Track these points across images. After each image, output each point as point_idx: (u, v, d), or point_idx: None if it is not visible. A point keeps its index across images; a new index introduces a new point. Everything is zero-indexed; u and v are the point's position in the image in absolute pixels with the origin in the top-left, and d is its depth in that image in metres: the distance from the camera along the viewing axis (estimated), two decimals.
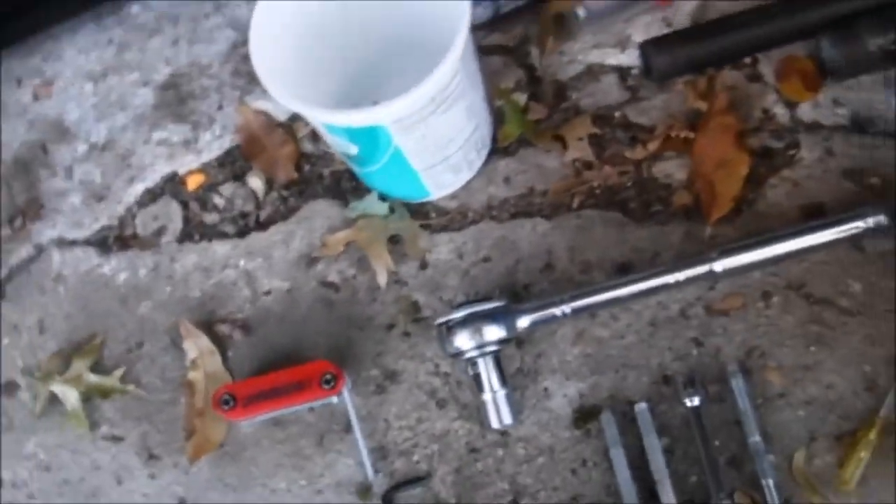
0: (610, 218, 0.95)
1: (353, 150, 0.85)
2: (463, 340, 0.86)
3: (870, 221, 0.88)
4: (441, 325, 0.87)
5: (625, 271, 0.91)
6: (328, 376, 0.87)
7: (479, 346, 0.86)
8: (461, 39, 0.76)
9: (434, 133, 0.84)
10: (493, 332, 0.86)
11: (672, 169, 0.96)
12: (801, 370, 0.87)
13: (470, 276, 0.94)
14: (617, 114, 0.99)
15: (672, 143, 0.96)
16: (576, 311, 0.88)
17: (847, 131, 0.95)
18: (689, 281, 0.88)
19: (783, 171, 0.94)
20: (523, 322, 0.87)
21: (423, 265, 0.95)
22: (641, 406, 0.87)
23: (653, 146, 0.96)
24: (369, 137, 0.81)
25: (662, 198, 0.95)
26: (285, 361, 0.92)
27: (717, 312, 0.90)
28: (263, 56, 0.80)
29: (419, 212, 0.97)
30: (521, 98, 1.00)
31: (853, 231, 0.88)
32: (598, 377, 0.89)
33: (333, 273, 0.95)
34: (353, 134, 0.81)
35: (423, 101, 0.78)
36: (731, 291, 0.90)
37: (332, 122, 0.79)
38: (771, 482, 0.83)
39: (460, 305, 0.87)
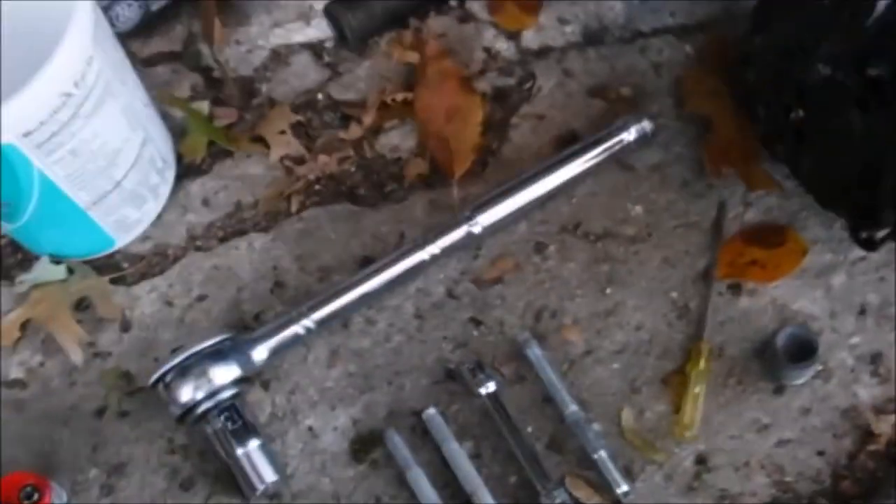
0: (339, 211, 0.78)
1: None
2: (188, 392, 0.67)
3: (632, 132, 0.76)
4: (156, 382, 0.67)
5: (370, 265, 0.74)
6: (28, 489, 0.66)
7: (211, 395, 0.67)
8: (81, 13, 0.60)
9: (88, 147, 0.66)
10: (224, 373, 0.67)
11: (397, 139, 0.81)
12: (601, 318, 0.73)
13: (186, 324, 0.75)
14: (319, 96, 0.83)
15: (390, 110, 0.82)
16: (321, 324, 0.71)
17: (581, 47, 0.83)
18: (447, 252, 0.73)
19: (522, 107, 0.81)
20: (260, 353, 0.69)
21: (125, 326, 0.75)
22: (430, 412, 0.70)
23: (368, 119, 0.81)
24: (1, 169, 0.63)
25: (394, 173, 0.80)
26: None
27: (488, 282, 0.75)
28: None
29: (107, 266, 0.78)
30: (203, 105, 0.82)
31: (617, 147, 0.75)
32: (370, 395, 0.72)
33: (14, 366, 0.75)
34: None
35: (53, 98, 0.60)
36: (499, 254, 0.75)
37: None
38: (603, 453, 0.67)
39: (174, 352, 0.68)
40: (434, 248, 0.72)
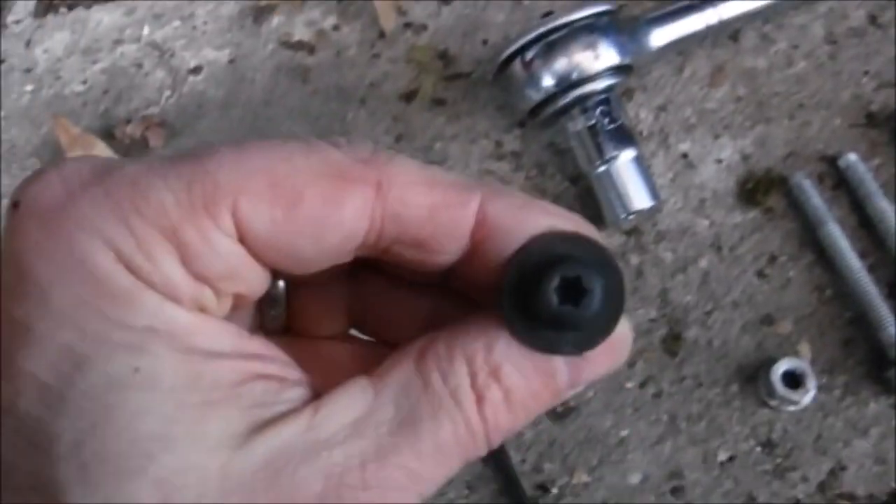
0: None
1: None
2: (558, 73, 0.50)
3: None
4: (513, 56, 0.51)
5: None
6: None
7: (587, 80, 0.50)
8: None
9: None
10: (610, 55, 0.50)
11: None
12: None
13: (525, 6, 0.58)
14: None
15: None
16: (723, 27, 0.54)
17: None
18: None
19: None
20: (658, 38, 0.52)
21: None
22: (850, 158, 0.53)
23: None
24: None
25: None
26: None
27: None
28: None
29: None
30: None
31: None
32: (765, 127, 0.55)
33: (301, 26, 0.58)
34: None
35: None
36: None
37: None
38: None
39: (545, 16, 0.51)
40: None
